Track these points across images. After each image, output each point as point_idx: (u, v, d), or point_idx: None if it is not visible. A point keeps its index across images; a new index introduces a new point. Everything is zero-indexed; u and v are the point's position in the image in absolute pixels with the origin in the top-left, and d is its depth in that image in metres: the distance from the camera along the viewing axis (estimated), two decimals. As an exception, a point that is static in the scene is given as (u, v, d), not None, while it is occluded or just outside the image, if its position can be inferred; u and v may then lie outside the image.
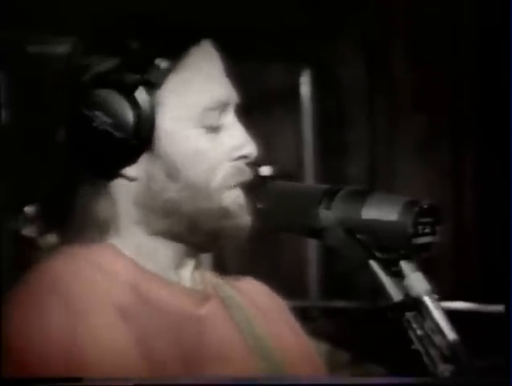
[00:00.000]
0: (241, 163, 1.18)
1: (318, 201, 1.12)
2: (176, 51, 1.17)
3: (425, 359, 1.05)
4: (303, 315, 1.38)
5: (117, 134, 1.15)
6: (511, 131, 1.99)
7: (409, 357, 1.06)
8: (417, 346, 1.05)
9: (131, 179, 1.17)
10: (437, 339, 1.04)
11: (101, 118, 1.16)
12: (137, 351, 1.12)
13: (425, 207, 1.07)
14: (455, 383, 1.03)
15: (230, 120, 1.19)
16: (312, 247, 3.43)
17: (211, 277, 1.26)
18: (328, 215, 1.11)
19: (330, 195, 1.12)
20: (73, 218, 1.18)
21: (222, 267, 1.34)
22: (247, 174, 1.19)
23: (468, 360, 1.03)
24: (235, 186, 1.18)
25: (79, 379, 1.07)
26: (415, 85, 3.48)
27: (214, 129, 1.18)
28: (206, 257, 1.31)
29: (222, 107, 1.18)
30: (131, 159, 1.16)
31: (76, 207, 1.18)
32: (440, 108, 3.48)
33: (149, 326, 1.15)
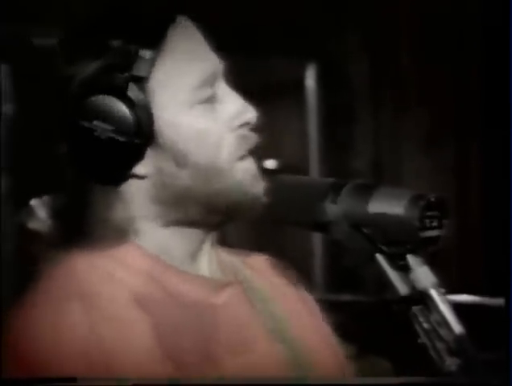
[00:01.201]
0: (244, 130, 1.17)
1: (324, 195, 1.12)
2: (156, 37, 1.15)
3: (431, 352, 1.05)
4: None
5: (121, 138, 1.13)
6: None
7: (415, 350, 1.06)
8: (423, 339, 1.05)
9: (141, 177, 1.16)
10: (443, 333, 1.04)
11: (101, 126, 1.14)
12: (155, 342, 1.12)
13: (432, 200, 1.07)
14: (456, 381, 1.03)
15: (223, 89, 1.18)
16: (318, 240, 3.43)
17: (227, 258, 1.25)
18: (334, 208, 1.11)
19: (336, 189, 1.11)
20: (89, 228, 1.18)
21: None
22: (252, 141, 1.18)
23: (475, 354, 1.03)
24: (243, 157, 1.17)
25: (73, 379, 1.06)
26: (421, 80, 3.48)
27: (209, 103, 1.16)
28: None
29: (211, 80, 1.17)
30: (138, 158, 1.15)
31: (90, 216, 1.17)
32: (446, 103, 3.47)
33: (167, 317, 1.15)
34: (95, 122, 1.14)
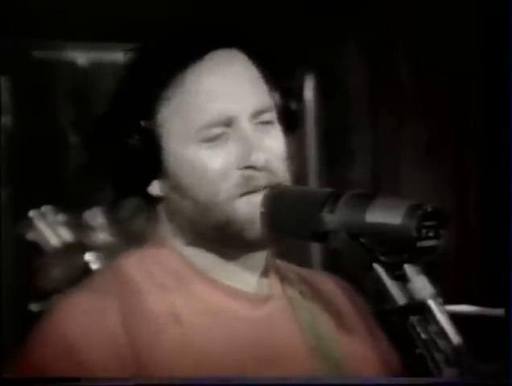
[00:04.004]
0: (251, 171, 1.18)
1: (322, 205, 1.12)
2: (175, 70, 1.18)
3: (430, 363, 1.04)
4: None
5: (120, 164, 1.19)
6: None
7: (414, 361, 1.05)
8: (422, 350, 1.05)
9: (155, 198, 1.21)
10: (442, 343, 1.04)
11: (104, 149, 1.19)
12: (188, 350, 1.15)
13: (429, 210, 1.07)
14: (454, 383, 1.03)
15: (240, 127, 1.18)
16: (316, 251, 3.43)
17: (284, 276, 1.26)
18: (331, 218, 1.11)
19: (334, 199, 1.12)
20: (120, 230, 1.23)
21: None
22: (258, 180, 1.18)
23: (473, 364, 1.03)
24: (246, 194, 1.18)
25: (77, 379, 1.08)
26: (420, 92, 3.48)
27: (218, 140, 1.18)
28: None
29: (226, 120, 1.18)
30: (143, 182, 1.20)
31: (120, 220, 1.23)
32: (444, 114, 3.48)
33: (202, 328, 1.17)
34: (101, 143, 1.20)
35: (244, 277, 1.21)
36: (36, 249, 2.04)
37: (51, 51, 2.90)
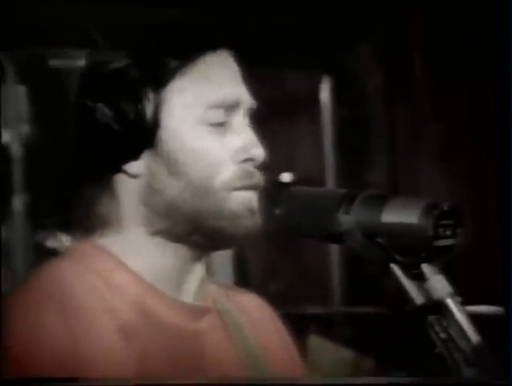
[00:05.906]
0: (249, 166, 1.18)
1: (337, 205, 1.12)
2: (188, 55, 1.18)
3: (449, 362, 1.04)
4: (327, 321, 1.38)
5: (116, 127, 1.15)
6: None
7: (433, 361, 1.05)
8: (441, 349, 1.05)
9: (133, 176, 1.17)
10: (461, 342, 1.03)
11: (102, 110, 1.16)
12: (131, 360, 1.13)
13: (445, 209, 1.07)
14: (455, 383, 1.03)
15: (239, 121, 1.19)
16: (335, 252, 3.43)
17: (213, 290, 1.26)
18: (347, 219, 1.10)
19: (349, 199, 1.11)
20: (79, 215, 1.19)
21: (244, 275, 1.33)
22: (255, 178, 1.18)
23: (493, 364, 1.03)
24: (241, 188, 1.17)
25: (75, 380, 1.08)
26: (436, 91, 3.48)
27: (219, 129, 1.18)
28: (227, 266, 1.29)
29: (229, 106, 1.18)
30: (132, 155, 1.17)
31: (81, 204, 1.19)
32: (461, 113, 3.47)
33: (145, 339, 1.15)
34: (97, 104, 1.16)
35: (188, 285, 1.20)
36: (56, 256, 2.05)
37: (68, 60, 2.92)
